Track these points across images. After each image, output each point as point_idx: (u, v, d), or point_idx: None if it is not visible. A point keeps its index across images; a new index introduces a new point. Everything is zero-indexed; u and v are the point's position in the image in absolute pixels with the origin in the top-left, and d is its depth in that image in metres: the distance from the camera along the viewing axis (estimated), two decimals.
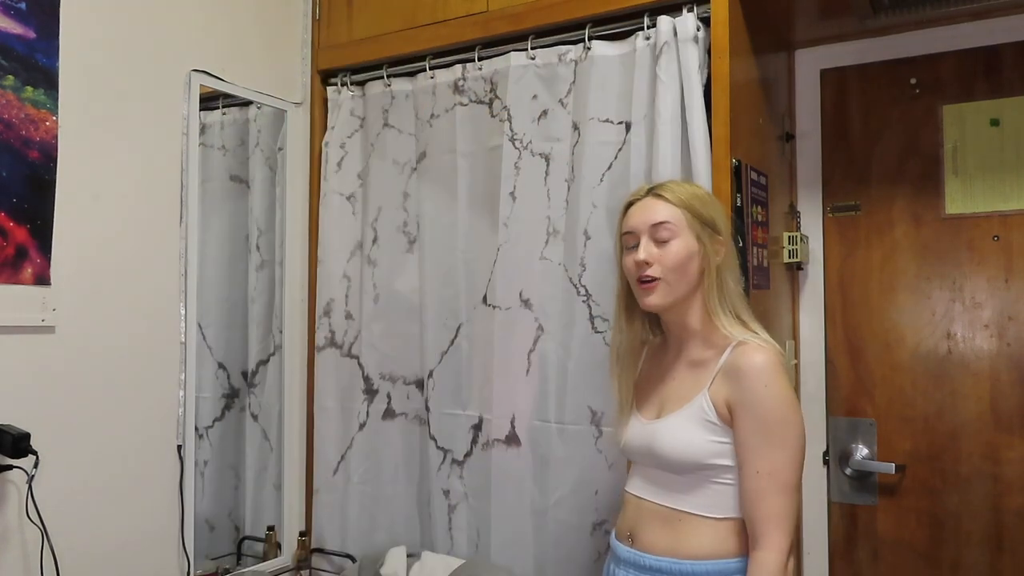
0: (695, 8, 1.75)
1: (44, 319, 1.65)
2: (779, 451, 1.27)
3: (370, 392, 2.19)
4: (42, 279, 1.64)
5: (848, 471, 2.07)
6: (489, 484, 1.96)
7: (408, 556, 2.03)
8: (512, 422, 1.94)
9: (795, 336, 2.13)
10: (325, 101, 2.30)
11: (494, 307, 1.97)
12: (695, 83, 1.72)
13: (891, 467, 1.98)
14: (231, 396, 2.13)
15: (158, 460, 1.89)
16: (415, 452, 2.15)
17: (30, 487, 1.58)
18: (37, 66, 1.65)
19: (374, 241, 2.21)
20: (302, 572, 2.19)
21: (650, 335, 1.53)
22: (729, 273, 1.39)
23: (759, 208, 1.87)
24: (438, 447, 2.07)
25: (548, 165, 1.93)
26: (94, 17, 1.76)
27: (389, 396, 2.18)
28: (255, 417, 2.18)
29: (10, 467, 1.57)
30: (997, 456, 1.90)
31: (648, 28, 1.80)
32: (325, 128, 2.30)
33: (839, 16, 1.98)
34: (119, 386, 1.80)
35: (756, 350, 1.31)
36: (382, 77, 2.21)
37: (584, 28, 1.89)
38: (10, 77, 1.60)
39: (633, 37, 1.83)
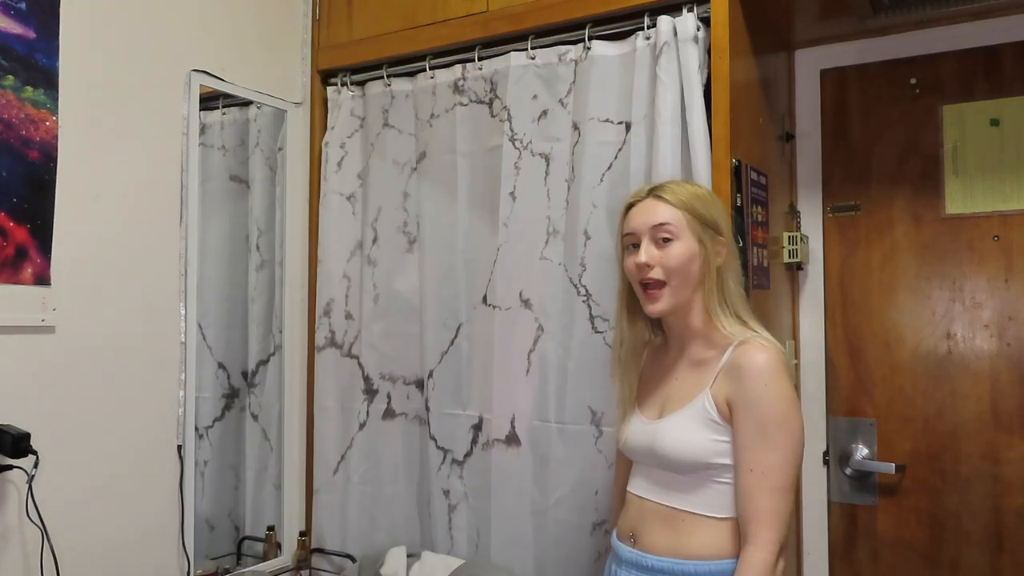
0: (695, 8, 1.75)
1: (44, 319, 1.65)
2: (775, 451, 1.27)
3: (370, 392, 2.19)
4: (42, 279, 1.64)
5: (848, 471, 2.07)
6: (489, 484, 1.96)
7: (408, 556, 2.03)
8: (512, 422, 1.94)
9: (795, 336, 2.13)
10: (325, 101, 2.30)
11: (494, 307, 1.97)
12: (695, 83, 1.72)
13: (891, 467, 1.98)
14: (231, 396, 2.13)
15: (158, 460, 1.89)
16: (415, 452, 2.15)
17: (30, 487, 1.58)
18: (37, 66, 1.65)
19: (374, 241, 2.21)
20: (302, 572, 2.19)
21: (651, 335, 1.53)
22: (730, 273, 1.40)
23: (759, 208, 1.87)
24: (438, 447, 2.07)
25: (548, 165, 1.93)
26: (94, 17, 1.76)
27: (389, 396, 2.18)
28: (255, 417, 2.18)
29: (10, 467, 1.57)
30: (997, 456, 1.90)
31: (648, 28, 1.80)
32: (325, 128, 2.30)
33: (839, 16, 1.98)
34: (119, 386, 1.80)
35: (758, 349, 1.31)
36: (382, 77, 2.21)
37: (584, 28, 1.89)
38: (10, 77, 1.60)
39: (633, 37, 1.83)
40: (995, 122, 1.95)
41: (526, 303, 1.94)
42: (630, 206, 1.44)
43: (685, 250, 1.36)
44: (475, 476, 2.00)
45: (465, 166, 2.06)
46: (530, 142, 1.95)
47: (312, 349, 2.26)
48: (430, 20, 2.11)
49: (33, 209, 1.63)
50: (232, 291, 2.15)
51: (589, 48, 1.88)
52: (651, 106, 1.78)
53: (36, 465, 1.60)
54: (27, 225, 1.62)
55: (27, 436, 1.55)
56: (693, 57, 1.72)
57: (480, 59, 2.04)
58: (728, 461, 1.31)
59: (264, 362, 2.21)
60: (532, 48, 1.95)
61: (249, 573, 2.05)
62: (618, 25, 1.86)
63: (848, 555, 2.07)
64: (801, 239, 2.06)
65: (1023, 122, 1.92)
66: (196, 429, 1.96)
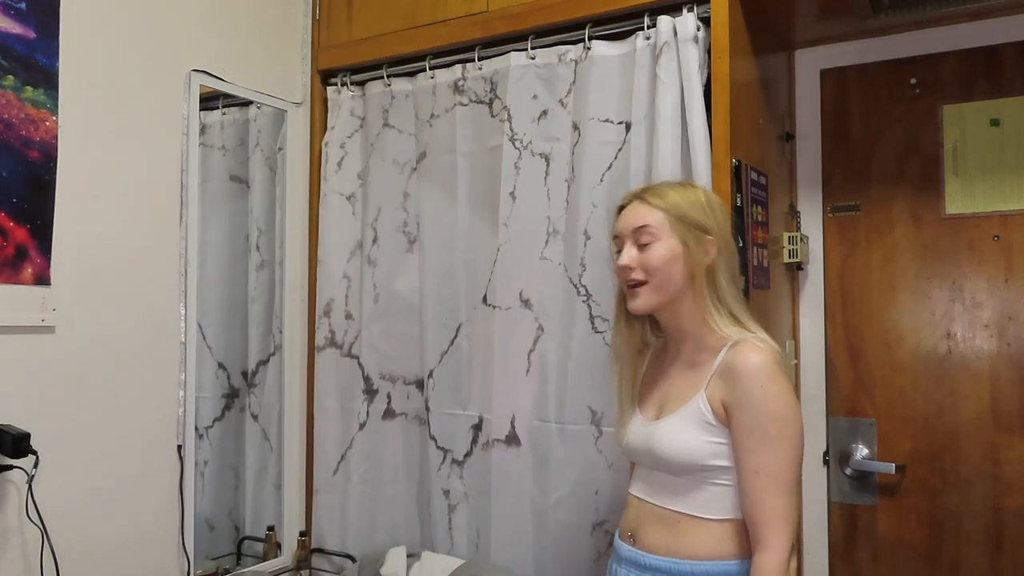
0: (695, 8, 1.75)
1: (44, 319, 1.65)
2: (777, 451, 1.26)
3: (370, 392, 2.19)
4: (42, 279, 1.64)
5: (848, 471, 2.07)
6: (489, 484, 1.96)
7: (408, 556, 2.03)
8: (512, 422, 1.94)
9: (795, 336, 2.13)
10: (325, 101, 2.30)
11: (494, 307, 1.97)
12: (695, 83, 1.72)
13: (891, 467, 1.98)
14: (231, 396, 2.13)
15: (158, 460, 1.89)
16: (415, 452, 2.15)
17: (30, 487, 1.58)
18: (37, 66, 1.65)
19: (374, 241, 2.21)
20: (302, 572, 2.19)
21: (652, 337, 1.53)
22: (723, 273, 1.38)
23: (759, 208, 1.87)
24: (438, 447, 2.07)
25: (548, 165, 1.93)
26: (94, 17, 1.76)
27: (389, 396, 2.18)
28: (255, 417, 2.18)
29: (10, 467, 1.57)
30: (997, 456, 1.90)
31: (648, 28, 1.80)
32: (325, 128, 2.30)
33: (839, 16, 1.98)
34: (119, 386, 1.80)
35: (752, 350, 1.30)
36: (382, 77, 2.21)
37: (584, 28, 1.89)
38: (10, 77, 1.60)
39: (633, 37, 1.83)
40: (995, 122, 1.95)
41: (526, 303, 1.94)
42: (619, 209, 1.46)
43: (665, 251, 1.37)
44: (475, 476, 2.00)
45: (465, 166, 2.06)
46: (530, 142, 1.95)
47: (312, 349, 2.26)
48: (430, 20, 2.11)
49: (33, 209, 1.63)
50: (232, 291, 2.15)
51: (589, 48, 1.88)
52: (651, 106, 1.78)
53: (36, 465, 1.60)
54: (27, 225, 1.62)
55: (27, 436, 1.55)
56: (693, 57, 1.72)
57: (480, 59, 2.04)
58: (724, 463, 1.30)
59: (264, 362, 2.21)
60: (532, 48, 1.95)
61: (249, 573, 2.05)
62: (618, 25, 1.86)
63: (848, 555, 2.07)
64: (801, 239, 2.06)
65: (1023, 122, 1.92)
66: (196, 429, 1.96)
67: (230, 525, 2.14)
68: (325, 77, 2.31)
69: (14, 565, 1.60)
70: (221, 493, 2.11)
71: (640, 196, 1.43)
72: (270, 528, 2.16)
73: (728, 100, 1.69)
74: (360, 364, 2.20)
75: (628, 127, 1.82)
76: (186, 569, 1.92)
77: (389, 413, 2.18)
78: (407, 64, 2.17)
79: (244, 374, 2.17)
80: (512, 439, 1.94)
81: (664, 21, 1.76)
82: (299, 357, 2.27)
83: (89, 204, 1.74)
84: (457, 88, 2.08)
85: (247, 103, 2.16)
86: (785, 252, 2.04)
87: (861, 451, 2.06)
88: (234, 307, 2.15)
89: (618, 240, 1.44)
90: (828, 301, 2.12)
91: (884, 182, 2.06)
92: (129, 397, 1.82)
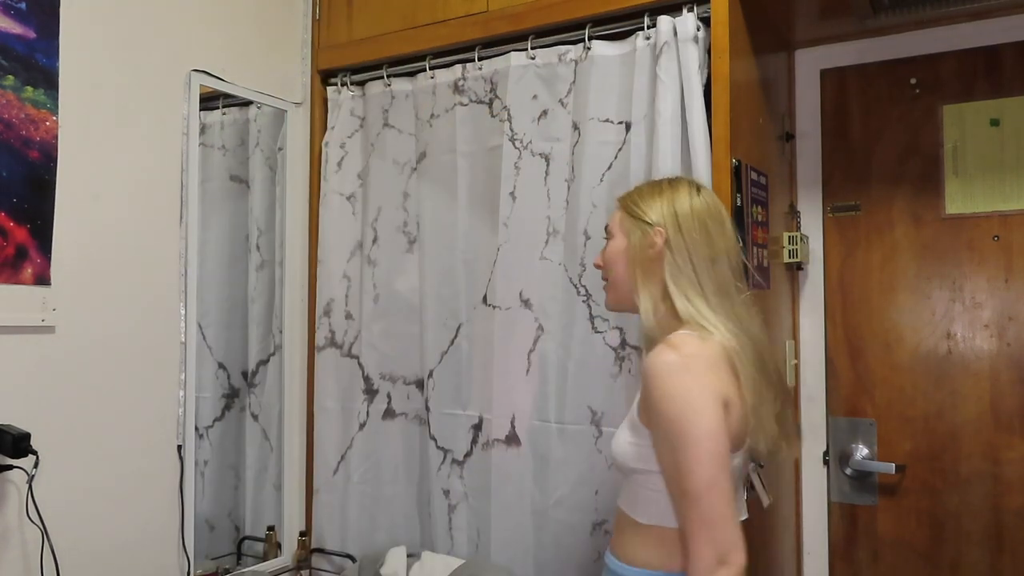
0: (695, 8, 1.75)
1: (44, 319, 1.65)
2: (679, 454, 1.18)
3: (370, 392, 2.19)
4: (42, 279, 1.64)
5: (848, 471, 2.07)
6: (489, 484, 1.96)
7: (408, 556, 2.03)
8: (512, 422, 1.94)
9: (795, 336, 2.13)
10: (325, 101, 2.30)
11: (494, 307, 1.97)
12: (695, 83, 1.72)
13: (891, 467, 1.98)
14: (231, 396, 2.13)
15: (158, 460, 1.89)
16: (415, 452, 2.15)
17: (30, 487, 1.58)
18: (37, 66, 1.65)
19: (374, 241, 2.21)
20: (302, 572, 2.19)
21: None
22: (675, 264, 1.29)
23: (759, 208, 1.87)
24: (438, 447, 2.07)
25: (548, 165, 1.93)
26: (94, 17, 1.76)
27: (389, 396, 2.18)
28: (255, 417, 2.18)
29: (10, 467, 1.57)
30: (997, 456, 1.90)
31: (648, 28, 1.80)
32: (325, 128, 2.30)
33: (839, 16, 1.98)
34: (119, 386, 1.80)
35: (662, 349, 1.23)
36: (382, 77, 2.21)
37: (584, 28, 1.89)
38: (10, 77, 1.60)
39: (633, 37, 1.83)
40: (995, 122, 1.95)
41: (526, 303, 1.94)
42: None
43: (612, 247, 1.38)
44: (475, 476, 2.00)
45: (465, 166, 2.06)
46: (530, 142, 1.95)
47: (312, 349, 2.26)
48: (430, 20, 2.11)
49: (33, 209, 1.63)
50: (232, 291, 2.15)
51: (589, 48, 1.88)
52: (651, 106, 1.78)
53: (36, 465, 1.60)
54: (27, 225, 1.62)
55: (27, 436, 1.55)
56: (693, 57, 1.72)
57: (480, 59, 2.04)
58: (644, 466, 1.26)
59: (264, 362, 2.21)
60: (532, 48, 1.95)
61: (249, 573, 2.05)
62: (618, 25, 1.86)
63: (848, 555, 2.07)
64: (801, 239, 2.06)
65: (1023, 122, 1.92)
66: (196, 429, 1.96)
67: (230, 525, 2.14)
68: (325, 77, 2.31)
69: (14, 565, 1.60)
70: (221, 493, 2.11)
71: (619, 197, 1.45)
72: (270, 528, 2.16)
73: (728, 100, 1.69)
74: (360, 364, 2.20)
75: (628, 127, 1.82)
76: (186, 569, 1.92)
77: (389, 413, 2.18)
78: (407, 64, 2.17)
79: (244, 374, 2.17)
80: (512, 439, 1.94)
81: (664, 21, 1.76)
82: (299, 357, 2.27)
83: (89, 204, 1.74)
84: (457, 88, 2.08)
85: (247, 103, 2.16)
86: (785, 252, 2.04)
87: (861, 451, 2.06)
88: (234, 307, 2.15)
89: None
90: (828, 301, 2.12)
91: (884, 182, 2.06)
92: (129, 397, 1.82)
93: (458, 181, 2.07)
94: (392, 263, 2.18)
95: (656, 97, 1.76)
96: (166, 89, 1.92)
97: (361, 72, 2.25)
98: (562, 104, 1.92)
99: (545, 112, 1.95)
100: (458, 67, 2.08)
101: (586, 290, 1.85)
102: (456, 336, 2.06)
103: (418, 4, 2.13)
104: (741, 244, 1.71)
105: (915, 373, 2.00)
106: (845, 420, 2.08)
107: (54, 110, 1.67)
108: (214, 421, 2.08)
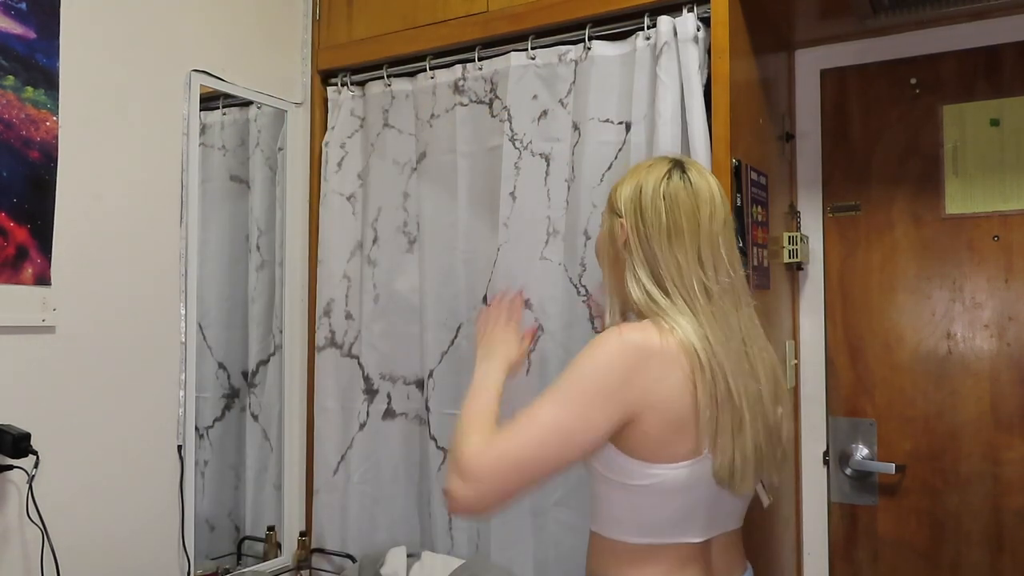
0: (695, 8, 1.75)
1: (44, 319, 1.65)
2: (539, 400, 1.12)
3: (370, 392, 2.19)
4: (42, 279, 1.64)
5: (848, 471, 2.07)
6: None
7: (408, 556, 2.03)
8: None
9: (795, 336, 2.13)
10: (325, 101, 2.30)
11: None
12: (695, 83, 1.72)
13: (891, 467, 1.98)
14: (231, 396, 2.13)
15: (158, 460, 1.89)
16: (415, 452, 2.15)
17: (30, 487, 1.58)
18: (37, 66, 1.65)
19: (374, 241, 2.21)
20: (302, 572, 2.18)
21: None
22: (641, 254, 1.19)
23: (759, 208, 1.87)
24: (438, 447, 2.07)
25: (548, 165, 1.93)
26: (94, 17, 1.76)
27: (389, 396, 2.18)
28: (255, 417, 2.18)
29: (10, 467, 1.57)
30: (997, 456, 1.90)
31: (648, 28, 1.80)
32: (325, 128, 2.30)
33: (839, 16, 1.98)
34: (119, 386, 1.80)
35: (607, 331, 1.17)
36: (382, 77, 2.21)
37: (584, 28, 1.89)
38: (10, 77, 1.60)
39: (633, 37, 1.83)
40: (995, 122, 1.95)
41: (526, 303, 1.94)
42: None
43: (596, 241, 1.36)
44: None
45: (465, 166, 2.06)
46: (530, 142, 1.95)
47: (312, 349, 2.26)
48: (430, 20, 2.11)
49: (33, 209, 1.63)
50: (232, 291, 2.15)
51: (589, 48, 1.88)
52: (651, 106, 1.78)
53: (36, 465, 1.60)
54: (27, 225, 1.62)
55: (27, 436, 1.55)
56: (693, 57, 1.72)
57: (480, 59, 2.04)
58: (598, 467, 1.21)
59: (264, 362, 2.21)
60: (532, 48, 1.95)
61: (249, 573, 2.05)
62: (618, 25, 1.86)
63: (848, 555, 2.07)
64: (801, 239, 2.06)
65: (1023, 122, 1.92)
66: (196, 429, 1.96)
67: (230, 525, 2.14)
68: (325, 77, 2.31)
69: (14, 565, 1.60)
70: (221, 493, 2.11)
71: None
72: (270, 528, 2.16)
73: (728, 100, 1.69)
74: (360, 364, 2.20)
75: (628, 127, 1.82)
76: (186, 569, 1.92)
77: (389, 413, 2.18)
78: (407, 64, 2.17)
79: (244, 374, 2.17)
80: None
81: (664, 21, 1.76)
82: (299, 357, 2.27)
83: (89, 204, 1.74)
84: (457, 88, 2.08)
85: (247, 103, 2.16)
86: (785, 252, 2.04)
87: (861, 451, 2.06)
88: (234, 307, 2.15)
89: None
90: (828, 301, 2.12)
91: (884, 182, 2.06)
92: (129, 397, 1.82)
93: (458, 181, 2.07)
94: (392, 263, 2.18)
95: (656, 97, 1.76)
96: (166, 89, 1.92)
97: (361, 72, 2.25)
98: (562, 104, 1.92)
99: (545, 112, 1.95)
100: (458, 67, 2.08)
101: (586, 290, 1.85)
102: (456, 336, 2.06)
103: (418, 4, 2.13)
104: (741, 244, 1.72)
105: (915, 373, 2.00)
106: (845, 420, 2.08)
107: (54, 110, 1.67)
108: (214, 421, 2.08)
